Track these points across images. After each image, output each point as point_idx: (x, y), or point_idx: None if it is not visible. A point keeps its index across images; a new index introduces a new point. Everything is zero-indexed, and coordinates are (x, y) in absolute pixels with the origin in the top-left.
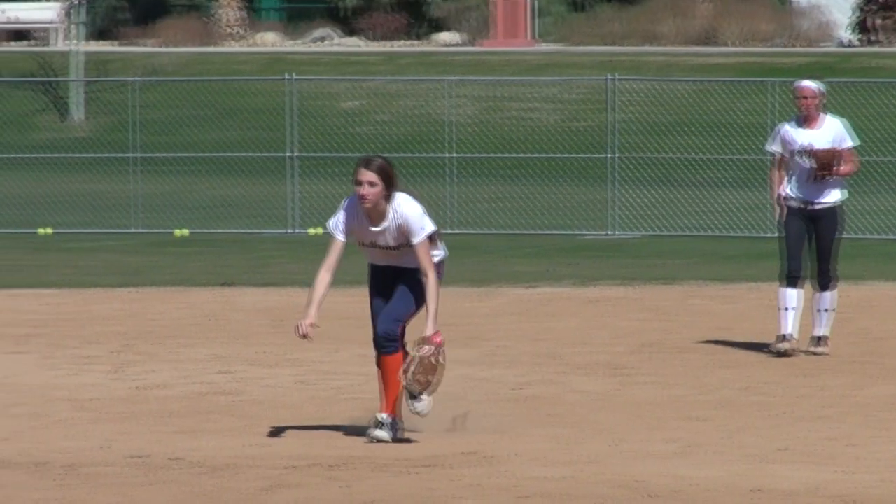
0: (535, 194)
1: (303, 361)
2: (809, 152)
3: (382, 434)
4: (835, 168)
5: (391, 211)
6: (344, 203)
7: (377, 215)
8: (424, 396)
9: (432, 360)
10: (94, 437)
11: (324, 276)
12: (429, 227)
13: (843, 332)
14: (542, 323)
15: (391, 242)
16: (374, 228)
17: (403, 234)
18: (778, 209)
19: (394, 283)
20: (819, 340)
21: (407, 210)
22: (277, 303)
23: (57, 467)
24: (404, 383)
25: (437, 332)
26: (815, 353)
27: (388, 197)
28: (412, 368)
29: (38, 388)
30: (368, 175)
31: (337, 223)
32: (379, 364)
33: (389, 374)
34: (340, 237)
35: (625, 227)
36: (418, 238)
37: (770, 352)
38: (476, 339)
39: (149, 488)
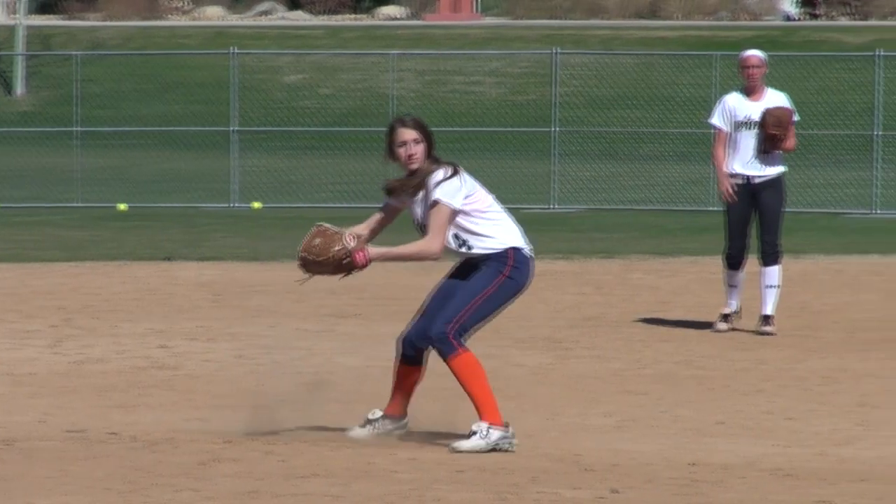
0: (478, 168)
1: (241, 336)
2: (764, 113)
3: (360, 433)
4: (782, 138)
5: (429, 179)
6: None
7: (420, 182)
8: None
9: (335, 248)
10: (32, 412)
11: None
12: (455, 201)
13: (782, 305)
14: None
15: (419, 218)
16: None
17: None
18: (725, 184)
19: (455, 275)
20: (767, 320)
21: (439, 178)
22: (217, 277)
23: None
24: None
25: (364, 253)
26: (762, 334)
27: (429, 158)
28: (317, 240)
29: None
30: (410, 133)
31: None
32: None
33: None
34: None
35: (566, 201)
36: (435, 196)
37: (714, 331)
38: (414, 313)
39: (86, 462)
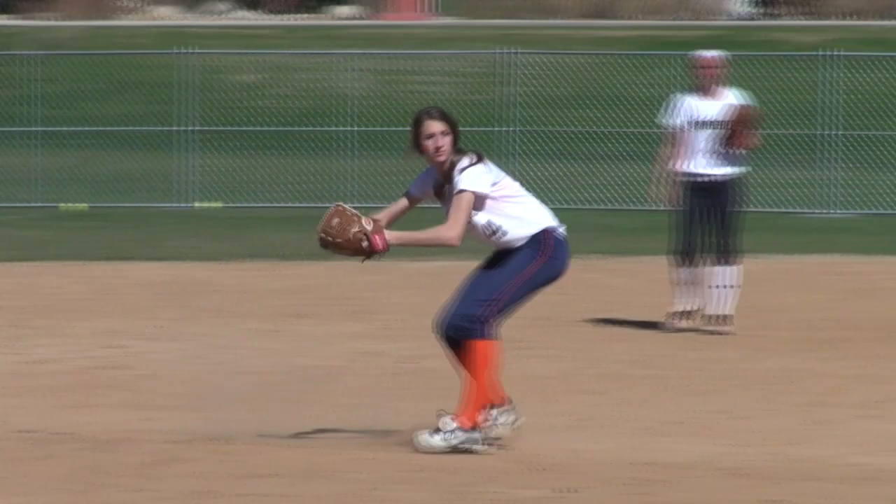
0: None
1: (195, 336)
2: (731, 109)
3: (434, 441)
4: (745, 134)
5: (454, 168)
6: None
7: (447, 173)
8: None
9: (354, 230)
10: None
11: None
12: (479, 188)
13: (736, 305)
14: (436, 296)
15: (446, 207)
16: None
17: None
18: (657, 187)
19: (491, 263)
20: (724, 319)
21: (463, 165)
22: (173, 277)
23: None
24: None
25: (383, 236)
26: (719, 333)
27: (454, 149)
28: (335, 220)
29: None
30: (437, 125)
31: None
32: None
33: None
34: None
35: None
36: (459, 185)
37: (666, 329)
38: (368, 313)
39: (38, 463)
